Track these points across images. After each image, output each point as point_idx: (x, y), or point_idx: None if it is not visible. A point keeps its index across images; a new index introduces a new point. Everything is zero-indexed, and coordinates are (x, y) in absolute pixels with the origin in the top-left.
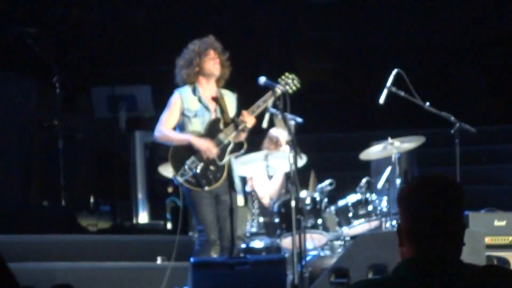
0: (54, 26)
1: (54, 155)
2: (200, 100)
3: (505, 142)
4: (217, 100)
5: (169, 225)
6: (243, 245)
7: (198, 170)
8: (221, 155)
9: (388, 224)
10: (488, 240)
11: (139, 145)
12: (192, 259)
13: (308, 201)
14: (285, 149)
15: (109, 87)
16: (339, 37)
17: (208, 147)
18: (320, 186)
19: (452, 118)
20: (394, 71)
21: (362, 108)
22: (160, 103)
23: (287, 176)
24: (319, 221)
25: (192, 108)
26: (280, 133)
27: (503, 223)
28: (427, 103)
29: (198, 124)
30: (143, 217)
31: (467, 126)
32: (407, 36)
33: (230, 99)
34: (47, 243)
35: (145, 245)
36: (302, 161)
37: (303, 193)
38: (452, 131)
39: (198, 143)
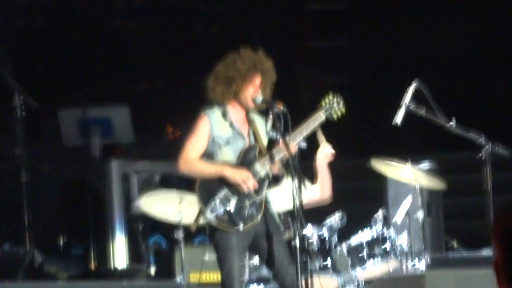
0: (15, 37)
1: (16, 190)
2: (232, 125)
3: None
4: (250, 125)
5: (152, 270)
6: None
7: (231, 206)
8: (258, 189)
9: (409, 265)
10: None
11: (116, 177)
12: None
13: (314, 239)
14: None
15: (80, 109)
16: (348, 46)
17: (245, 179)
18: (328, 220)
19: (482, 139)
20: (413, 85)
21: (376, 130)
22: (141, 127)
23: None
24: (329, 262)
25: (223, 134)
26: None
27: None
28: (452, 122)
29: (230, 153)
30: (121, 261)
31: (500, 149)
32: (428, 44)
33: (261, 124)
34: None
35: None
36: (306, 192)
37: (308, 230)
38: (482, 154)
39: (233, 175)
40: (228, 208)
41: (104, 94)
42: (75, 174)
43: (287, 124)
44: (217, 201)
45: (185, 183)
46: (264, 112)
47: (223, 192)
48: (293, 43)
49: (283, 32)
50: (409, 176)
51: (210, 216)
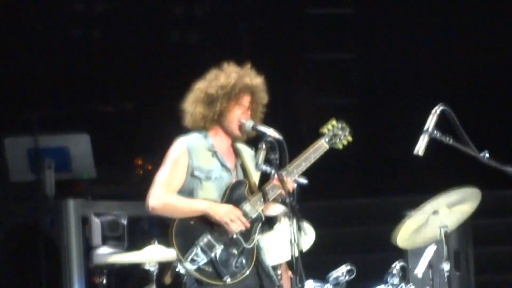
0: None
1: None
2: (215, 155)
3: None
4: (237, 156)
5: None
6: None
7: (216, 255)
8: (249, 234)
9: None
10: None
11: (75, 220)
12: None
13: None
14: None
15: (31, 136)
16: (355, 60)
17: (234, 218)
18: (334, 274)
19: None
20: (437, 109)
21: (391, 163)
22: (104, 160)
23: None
24: None
25: (204, 167)
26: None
27: None
28: (485, 154)
29: (212, 190)
30: None
31: None
32: (453, 59)
33: (249, 157)
34: None
35: None
36: (307, 239)
37: (309, 285)
38: None
39: (218, 212)
40: (212, 258)
41: (60, 118)
42: (24, 216)
43: (283, 155)
44: (199, 249)
45: (158, 228)
46: (253, 142)
47: (206, 238)
48: (289, 55)
49: (277, 42)
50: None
51: (190, 267)
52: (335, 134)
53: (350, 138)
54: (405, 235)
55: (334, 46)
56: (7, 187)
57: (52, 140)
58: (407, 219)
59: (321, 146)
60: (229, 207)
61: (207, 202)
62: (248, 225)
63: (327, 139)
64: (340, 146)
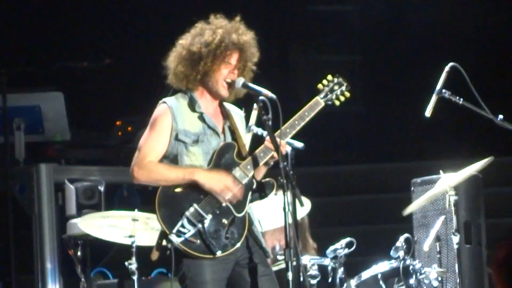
0: None
1: None
2: (202, 118)
3: None
4: (226, 118)
5: None
6: None
7: (204, 226)
8: (239, 202)
9: None
10: None
11: (47, 186)
12: None
13: (314, 270)
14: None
15: None
16: (358, 13)
17: (226, 186)
18: (333, 248)
19: None
20: (447, 67)
21: (396, 126)
22: (80, 121)
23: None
24: None
25: (190, 130)
26: None
27: None
28: (500, 116)
29: (199, 155)
30: None
31: None
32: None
33: (238, 119)
34: None
35: None
36: (303, 209)
37: (306, 259)
38: None
39: (209, 180)
40: (200, 229)
41: (31, 75)
42: None
43: (276, 115)
44: (185, 220)
45: (139, 196)
46: (243, 102)
47: (193, 208)
48: (285, 6)
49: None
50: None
51: (176, 240)
52: (331, 89)
53: (348, 94)
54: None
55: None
56: None
57: (22, 98)
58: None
59: (316, 103)
60: (219, 175)
61: (195, 169)
62: (241, 194)
63: (322, 96)
64: (337, 103)
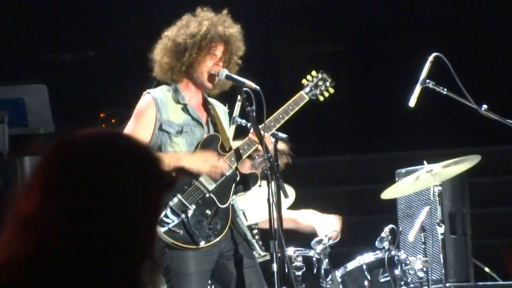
0: None
1: None
2: (185, 109)
3: None
4: (211, 112)
5: None
6: None
7: (188, 216)
8: (223, 194)
9: None
10: None
11: None
12: None
13: (299, 261)
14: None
15: None
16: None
17: (213, 166)
18: (318, 239)
19: None
20: (431, 57)
21: (382, 116)
22: (63, 113)
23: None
24: None
25: (174, 120)
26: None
27: None
28: (484, 106)
29: (183, 145)
30: None
31: None
32: (448, 8)
33: (222, 113)
34: None
35: None
36: (288, 200)
37: (291, 250)
38: None
39: (196, 163)
40: (183, 219)
41: (14, 67)
42: None
43: (260, 107)
44: (169, 210)
45: None
46: (228, 97)
47: (176, 198)
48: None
49: None
50: (426, 180)
51: (159, 230)
52: (315, 85)
53: (332, 90)
54: (394, 192)
55: None
56: None
57: (5, 90)
58: (397, 182)
59: (301, 97)
60: (204, 156)
61: (180, 155)
62: (227, 168)
63: (307, 90)
64: (321, 98)
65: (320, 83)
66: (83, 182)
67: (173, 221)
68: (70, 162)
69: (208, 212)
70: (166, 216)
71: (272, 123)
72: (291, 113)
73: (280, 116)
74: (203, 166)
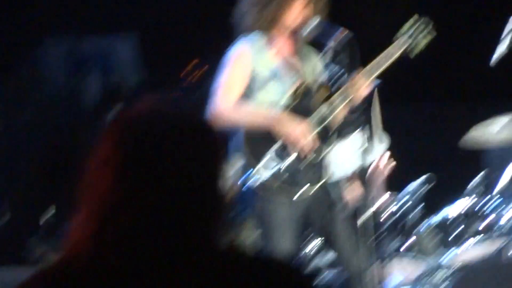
0: None
1: None
2: (278, 57)
3: None
4: (302, 58)
5: None
6: None
7: (290, 162)
8: (319, 147)
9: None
10: None
11: None
12: None
13: (393, 209)
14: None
15: (71, 37)
16: None
17: (302, 137)
18: (412, 185)
19: None
20: None
21: (468, 64)
22: (152, 61)
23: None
24: (412, 241)
25: (266, 68)
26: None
27: None
28: None
29: (274, 92)
30: None
31: None
32: None
33: (315, 59)
34: None
35: None
36: (382, 146)
37: (383, 199)
38: None
39: (287, 126)
40: (287, 164)
41: (103, 18)
42: (63, 127)
43: (354, 54)
44: (274, 153)
45: None
46: (318, 44)
47: (280, 144)
48: None
49: None
50: None
51: (264, 173)
52: (417, 29)
53: (433, 34)
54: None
55: None
56: (43, 96)
57: (94, 42)
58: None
59: (403, 41)
60: (298, 125)
61: (276, 118)
62: (316, 143)
63: (408, 35)
64: (423, 44)
65: (422, 27)
66: (153, 155)
67: (277, 164)
68: (140, 136)
69: (306, 161)
70: (271, 159)
71: (371, 70)
72: (394, 58)
73: (382, 61)
74: (292, 135)
